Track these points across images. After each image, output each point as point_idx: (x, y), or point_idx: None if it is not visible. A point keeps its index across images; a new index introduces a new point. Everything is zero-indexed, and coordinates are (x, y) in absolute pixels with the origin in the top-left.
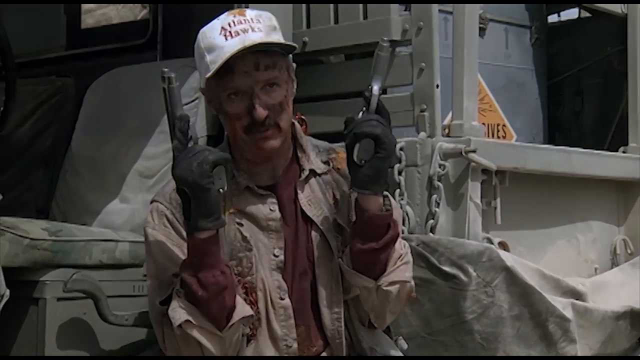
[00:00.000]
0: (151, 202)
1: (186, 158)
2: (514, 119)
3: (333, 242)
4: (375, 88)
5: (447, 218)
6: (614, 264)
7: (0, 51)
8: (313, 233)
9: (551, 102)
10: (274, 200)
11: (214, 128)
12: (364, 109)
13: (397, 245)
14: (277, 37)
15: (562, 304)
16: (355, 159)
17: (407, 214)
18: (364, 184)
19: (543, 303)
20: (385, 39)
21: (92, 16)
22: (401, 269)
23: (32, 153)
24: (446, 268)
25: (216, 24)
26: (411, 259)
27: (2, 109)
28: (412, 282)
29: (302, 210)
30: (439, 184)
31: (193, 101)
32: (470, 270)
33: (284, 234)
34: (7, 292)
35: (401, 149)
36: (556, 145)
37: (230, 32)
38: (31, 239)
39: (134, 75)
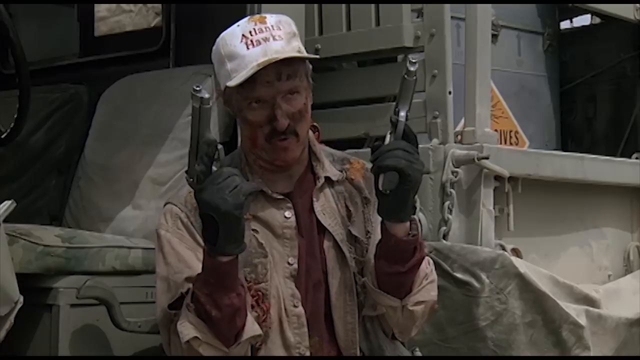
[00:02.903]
0: (165, 205)
1: (214, 184)
2: (526, 125)
3: (347, 252)
4: (402, 114)
5: (459, 225)
6: (628, 270)
7: (14, 58)
8: (326, 243)
9: (564, 109)
10: (290, 205)
11: (227, 134)
12: (390, 133)
13: (422, 264)
14: (297, 44)
15: (575, 311)
16: (380, 188)
17: (419, 221)
18: (390, 212)
19: (556, 310)
20: (413, 60)
21: (106, 24)
22: (427, 289)
23: (45, 160)
24: (459, 275)
25: (237, 31)
26: (436, 277)
27: (15, 116)
28: (436, 298)
29: (318, 220)
30: (452, 190)
31: None
32: (483, 277)
33: (298, 242)
34: (21, 298)
35: None
36: (569, 151)
37: (251, 40)
38: (45, 245)
39: (146, 83)
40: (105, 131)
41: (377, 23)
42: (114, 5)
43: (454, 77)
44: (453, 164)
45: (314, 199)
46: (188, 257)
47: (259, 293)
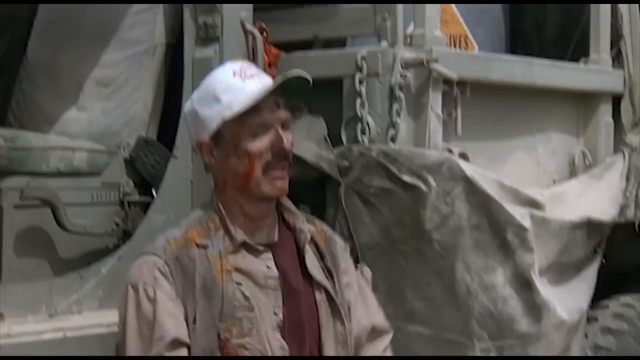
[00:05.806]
0: (140, 256)
1: None
2: (476, 30)
3: (340, 306)
4: None
5: (407, 128)
6: (572, 175)
7: None
8: (318, 296)
9: (513, 14)
10: (270, 256)
11: (174, 35)
12: None
13: None
14: None
15: (520, 214)
16: None
17: (367, 124)
18: None
19: (502, 212)
20: None
21: None
22: None
23: None
24: (406, 178)
25: (226, 69)
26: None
27: None
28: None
29: (307, 273)
30: (400, 93)
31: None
32: (430, 180)
33: (285, 293)
34: None
35: (363, 58)
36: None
37: (245, 74)
38: None
39: None
40: (48, 31)
41: None
42: None
43: None
44: (402, 67)
45: (305, 253)
46: (172, 311)
47: (242, 348)
